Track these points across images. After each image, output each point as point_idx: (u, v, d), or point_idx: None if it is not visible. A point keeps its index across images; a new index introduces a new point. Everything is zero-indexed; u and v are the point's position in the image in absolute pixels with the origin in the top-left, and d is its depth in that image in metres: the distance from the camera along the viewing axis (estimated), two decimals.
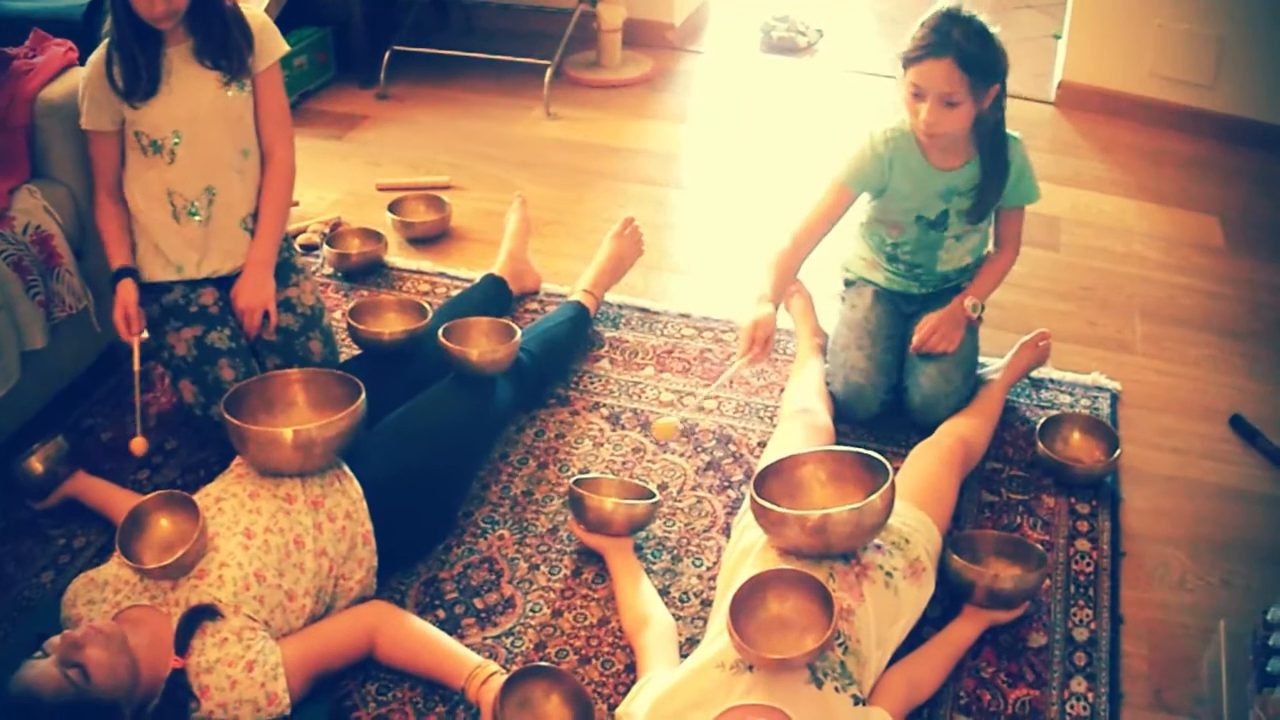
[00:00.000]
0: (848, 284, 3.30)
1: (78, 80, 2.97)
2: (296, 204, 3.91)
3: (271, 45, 2.98)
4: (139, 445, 2.81)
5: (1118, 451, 2.97)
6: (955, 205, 3.02)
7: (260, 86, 2.98)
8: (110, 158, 2.94)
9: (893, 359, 3.11)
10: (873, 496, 2.29)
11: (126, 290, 2.90)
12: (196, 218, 2.95)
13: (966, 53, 2.75)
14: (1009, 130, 2.98)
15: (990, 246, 3.20)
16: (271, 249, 3.02)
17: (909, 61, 2.81)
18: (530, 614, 2.61)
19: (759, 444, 3.05)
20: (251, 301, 2.96)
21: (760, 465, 2.57)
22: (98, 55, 2.86)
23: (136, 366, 2.88)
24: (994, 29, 2.81)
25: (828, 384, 3.11)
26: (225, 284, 3.02)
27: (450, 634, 2.48)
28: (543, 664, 2.43)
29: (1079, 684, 2.46)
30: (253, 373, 2.91)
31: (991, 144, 2.95)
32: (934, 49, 2.76)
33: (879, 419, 3.12)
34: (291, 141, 3.09)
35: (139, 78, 2.82)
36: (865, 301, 3.17)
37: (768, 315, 2.82)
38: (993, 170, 2.97)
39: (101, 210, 2.97)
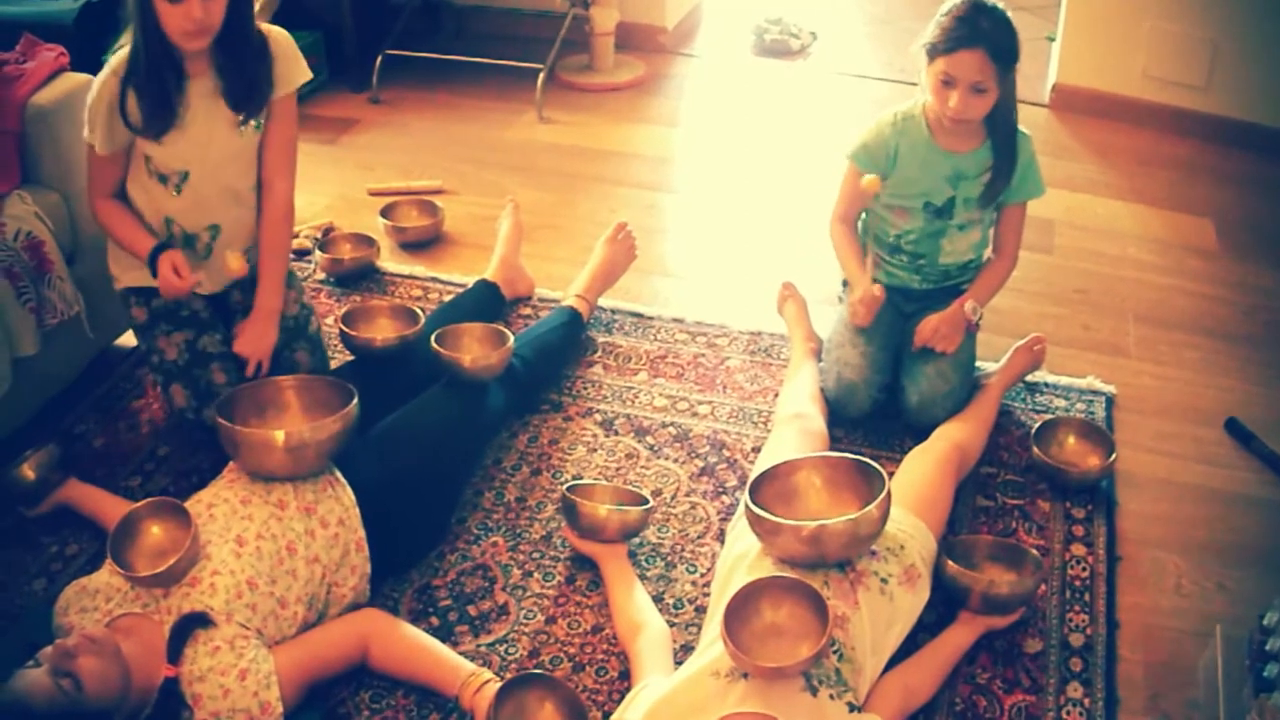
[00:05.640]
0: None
1: (69, 86, 2.96)
2: None
3: (294, 72, 2.84)
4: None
5: (1113, 455, 2.96)
6: (962, 192, 3.04)
7: (273, 113, 2.85)
8: (114, 174, 2.83)
9: (887, 358, 3.11)
10: (869, 507, 2.28)
11: (170, 256, 2.76)
12: (193, 250, 2.90)
13: (997, 42, 2.81)
14: (1020, 127, 3.04)
15: (990, 251, 3.20)
16: (278, 296, 2.93)
17: (939, 51, 2.85)
18: (524, 621, 2.60)
19: (753, 449, 3.04)
20: (250, 352, 2.88)
21: (755, 471, 2.57)
22: (109, 85, 2.69)
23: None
24: (1009, 14, 2.89)
25: (821, 383, 3.11)
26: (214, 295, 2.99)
27: (444, 641, 2.47)
28: (537, 671, 2.42)
29: (1075, 689, 2.46)
30: (244, 377, 2.88)
31: (1005, 127, 3.00)
32: (966, 40, 2.81)
33: (874, 423, 3.11)
34: (293, 173, 2.95)
35: (156, 115, 2.69)
36: None
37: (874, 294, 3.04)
38: (1006, 152, 3.02)
39: (103, 209, 2.86)
